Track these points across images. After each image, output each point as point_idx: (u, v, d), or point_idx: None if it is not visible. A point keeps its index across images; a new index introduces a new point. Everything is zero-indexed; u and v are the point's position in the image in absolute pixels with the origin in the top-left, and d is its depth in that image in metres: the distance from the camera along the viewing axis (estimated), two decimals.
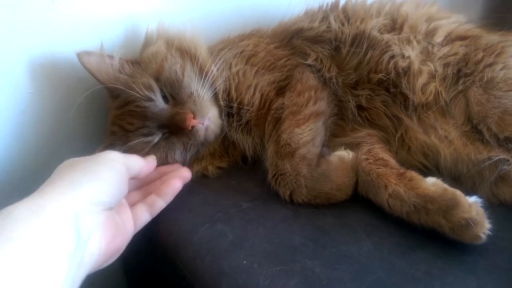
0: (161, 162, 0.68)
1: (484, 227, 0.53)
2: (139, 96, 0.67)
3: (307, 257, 0.54)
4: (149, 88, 0.68)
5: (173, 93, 0.69)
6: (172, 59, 0.72)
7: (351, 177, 0.65)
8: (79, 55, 0.69)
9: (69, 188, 0.48)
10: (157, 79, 0.69)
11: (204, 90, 0.70)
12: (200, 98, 0.69)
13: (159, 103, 0.68)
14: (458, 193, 0.56)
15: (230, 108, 0.74)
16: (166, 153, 0.69)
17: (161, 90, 0.69)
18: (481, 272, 0.51)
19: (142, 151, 0.68)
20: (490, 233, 0.53)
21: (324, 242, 0.56)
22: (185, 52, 0.74)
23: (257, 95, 0.73)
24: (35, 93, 0.73)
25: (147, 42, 0.77)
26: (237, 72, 0.74)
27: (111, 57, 0.72)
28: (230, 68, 0.75)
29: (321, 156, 0.67)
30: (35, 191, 0.48)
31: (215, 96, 0.73)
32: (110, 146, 0.68)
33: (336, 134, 0.74)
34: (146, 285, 0.79)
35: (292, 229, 0.59)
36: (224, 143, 0.76)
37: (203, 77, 0.71)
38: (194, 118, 0.67)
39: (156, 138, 0.69)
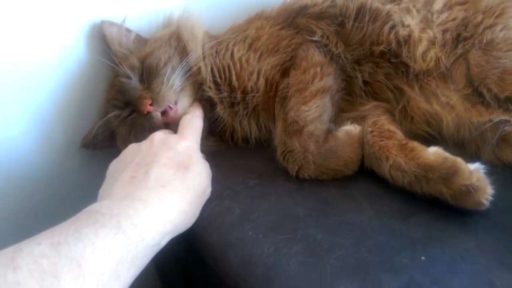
0: (127, 135, 0.73)
1: (486, 193, 0.53)
2: (121, 71, 0.73)
3: (309, 226, 0.56)
4: (132, 68, 0.74)
5: (149, 78, 0.72)
6: (166, 47, 0.75)
7: (358, 152, 0.65)
8: (103, 23, 0.77)
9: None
10: (143, 62, 0.74)
11: (177, 80, 0.72)
12: (167, 87, 0.70)
13: (134, 82, 0.73)
14: (459, 160, 0.56)
15: (233, 98, 0.75)
16: (129, 130, 0.73)
17: (142, 73, 0.73)
18: (481, 232, 0.52)
19: (114, 124, 0.75)
20: (492, 199, 0.53)
21: (326, 212, 0.58)
22: (180, 41, 0.76)
23: (261, 80, 0.73)
24: None
25: (165, 25, 0.82)
26: (240, 59, 0.75)
27: (129, 31, 0.79)
28: (232, 55, 0.75)
29: (328, 131, 0.68)
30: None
31: (193, 87, 0.75)
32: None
33: (343, 109, 0.74)
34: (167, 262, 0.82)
35: (296, 201, 0.61)
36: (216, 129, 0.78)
37: (181, 66, 0.73)
38: (151, 105, 0.69)
39: (124, 113, 0.75)
